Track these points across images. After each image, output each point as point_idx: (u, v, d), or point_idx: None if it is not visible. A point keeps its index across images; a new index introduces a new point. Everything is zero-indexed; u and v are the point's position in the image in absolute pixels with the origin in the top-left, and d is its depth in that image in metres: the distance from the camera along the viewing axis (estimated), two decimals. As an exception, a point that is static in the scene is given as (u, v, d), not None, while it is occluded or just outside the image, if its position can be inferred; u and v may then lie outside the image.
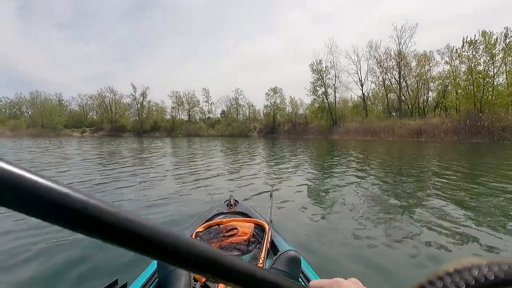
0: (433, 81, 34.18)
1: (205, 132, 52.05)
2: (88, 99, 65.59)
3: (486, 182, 5.58)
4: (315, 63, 39.13)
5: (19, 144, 21.24)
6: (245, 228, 1.53)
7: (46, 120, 60.02)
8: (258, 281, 0.27)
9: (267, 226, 1.53)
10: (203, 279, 1.13)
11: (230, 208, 2.01)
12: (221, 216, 1.85)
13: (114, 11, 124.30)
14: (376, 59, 36.09)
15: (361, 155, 12.05)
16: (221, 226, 1.56)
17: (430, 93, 35.82)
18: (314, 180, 6.19)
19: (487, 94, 21.68)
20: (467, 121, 20.45)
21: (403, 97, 34.83)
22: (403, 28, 33.20)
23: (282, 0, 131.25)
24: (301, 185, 5.60)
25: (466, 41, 22.81)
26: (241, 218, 1.70)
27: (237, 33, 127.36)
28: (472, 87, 22.57)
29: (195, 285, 1.11)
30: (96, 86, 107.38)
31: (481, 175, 6.46)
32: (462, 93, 23.38)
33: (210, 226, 1.57)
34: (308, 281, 1.31)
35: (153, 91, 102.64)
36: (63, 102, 67.98)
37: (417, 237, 2.87)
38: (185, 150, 16.23)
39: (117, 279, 1.16)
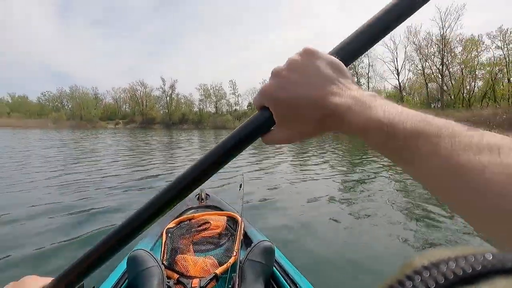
0: (482, 68, 30.66)
1: (232, 124, 51.79)
2: (121, 92, 68.22)
3: None
4: (347, 51, 36.87)
5: (77, 137, 22.09)
6: (218, 221, 1.53)
7: (84, 112, 63.30)
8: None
9: (239, 218, 1.51)
10: (176, 276, 1.14)
11: (201, 202, 1.97)
12: (192, 210, 1.82)
13: (144, 7, 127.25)
14: (416, 45, 33.08)
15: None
16: (192, 221, 1.56)
17: (477, 82, 32.36)
18: (306, 176, 5.84)
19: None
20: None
21: (445, 86, 31.72)
22: (448, 10, 29.89)
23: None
24: (298, 182, 5.32)
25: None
26: (213, 212, 1.71)
27: (265, 24, 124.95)
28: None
29: (169, 282, 1.10)
30: (129, 80, 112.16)
31: None
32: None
33: (181, 222, 1.56)
34: (283, 270, 1.30)
35: (181, 84, 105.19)
36: (99, 95, 71.50)
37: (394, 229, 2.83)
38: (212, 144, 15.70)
39: (82, 284, 0.87)
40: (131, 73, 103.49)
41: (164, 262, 1.22)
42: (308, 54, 0.31)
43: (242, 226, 1.46)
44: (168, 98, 60.31)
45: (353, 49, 0.33)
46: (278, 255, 1.40)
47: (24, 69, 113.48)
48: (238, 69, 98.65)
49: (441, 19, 30.63)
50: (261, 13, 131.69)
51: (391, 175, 5.94)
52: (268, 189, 4.67)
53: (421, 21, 44.96)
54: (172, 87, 59.62)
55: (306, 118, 0.30)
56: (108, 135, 24.48)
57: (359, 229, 3.03)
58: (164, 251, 1.31)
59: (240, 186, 2.06)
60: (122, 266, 1.32)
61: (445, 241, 2.73)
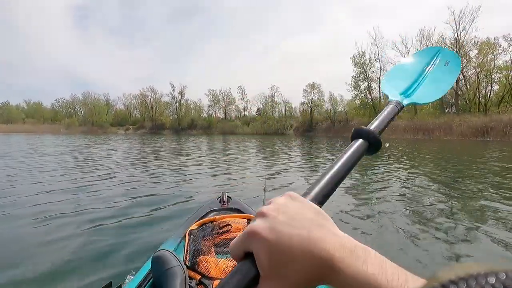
0: (499, 71, 29.60)
1: (241, 130, 51.67)
2: (132, 98, 69.22)
3: None
4: (358, 56, 36.41)
5: (91, 141, 22.27)
6: (238, 224, 1.54)
7: (95, 118, 64.40)
8: None
9: None
10: (199, 277, 1.16)
11: (222, 204, 2.00)
12: (214, 213, 1.87)
13: (159, 17, 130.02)
14: (429, 49, 32.19)
15: (411, 160, 10.08)
16: (214, 223, 1.58)
17: (493, 86, 31.24)
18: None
19: None
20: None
21: (460, 91, 30.71)
22: (463, 12, 29.11)
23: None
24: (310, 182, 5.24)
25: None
26: (234, 214, 1.73)
27: (275, 31, 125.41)
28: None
29: (191, 283, 1.12)
30: (142, 86, 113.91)
31: None
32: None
33: (203, 224, 1.59)
34: None
35: (191, 90, 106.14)
36: (110, 101, 72.70)
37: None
38: (220, 150, 15.41)
39: (110, 282, 1.16)
40: (144, 80, 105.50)
41: (186, 262, 1.24)
42: (293, 198, 0.31)
43: None
44: (177, 104, 60.77)
45: (324, 193, 0.35)
46: None
47: (44, 76, 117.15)
48: (247, 74, 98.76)
49: (455, 21, 29.85)
50: (267, 19, 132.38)
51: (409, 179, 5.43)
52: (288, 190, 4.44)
53: (435, 24, 44.26)
54: (182, 93, 60.15)
55: (298, 262, 0.27)
56: (117, 140, 24.54)
57: (378, 237, 2.81)
58: (186, 252, 1.33)
59: (265, 190, 2.09)
60: (147, 265, 1.35)
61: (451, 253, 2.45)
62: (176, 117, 60.49)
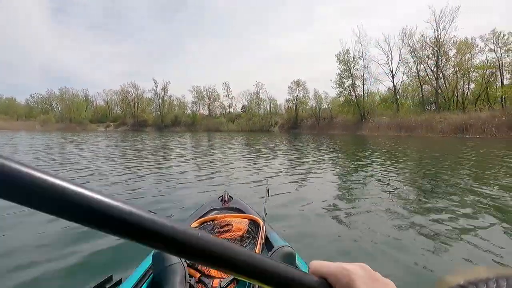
0: (475, 71, 30.62)
1: (225, 127, 51.10)
2: (113, 94, 67.01)
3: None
4: (342, 53, 36.60)
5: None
6: (240, 224, 1.53)
7: (73, 115, 61.87)
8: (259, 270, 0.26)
9: (261, 222, 1.52)
10: (198, 275, 1.16)
11: (224, 204, 1.99)
12: (215, 212, 1.85)
13: (142, 12, 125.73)
14: (410, 48, 32.90)
15: (393, 155, 10.08)
16: (215, 222, 1.58)
17: (470, 85, 32.33)
18: (324, 180, 5.63)
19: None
20: (528, 115, 17.42)
21: (439, 89, 31.56)
22: (443, 12, 29.84)
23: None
24: (304, 182, 5.30)
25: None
26: (236, 214, 1.72)
27: (262, 29, 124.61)
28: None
29: (190, 280, 1.12)
30: (126, 82, 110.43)
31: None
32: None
33: (204, 222, 1.59)
34: None
35: (175, 86, 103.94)
36: (89, 97, 70.06)
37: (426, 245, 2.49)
38: (206, 150, 14.96)
39: (111, 275, 1.17)
40: (127, 76, 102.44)
41: (187, 260, 1.18)
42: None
43: (264, 230, 1.46)
44: (160, 100, 59.28)
45: None
46: (299, 261, 1.38)
47: (18, 70, 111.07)
48: (232, 71, 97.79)
49: (435, 21, 30.56)
50: (256, 20, 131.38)
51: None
52: (291, 193, 4.50)
53: (416, 23, 45.29)
54: (165, 89, 58.69)
55: None
56: (96, 138, 23.49)
57: (387, 239, 2.70)
58: None
59: (268, 191, 2.06)
60: (148, 261, 1.34)
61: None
62: (159, 113, 59.02)
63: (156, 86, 58.71)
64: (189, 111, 59.78)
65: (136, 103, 61.34)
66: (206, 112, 59.22)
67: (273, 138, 24.43)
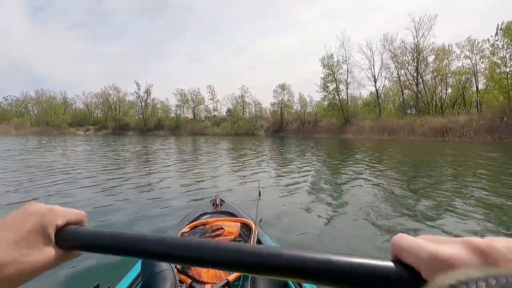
0: (452, 76, 31.82)
1: (210, 130, 50.50)
2: (93, 97, 64.89)
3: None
4: (326, 57, 37.08)
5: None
6: (231, 227, 1.52)
7: (51, 118, 59.34)
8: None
9: (253, 225, 1.51)
10: (189, 281, 1.14)
11: (216, 207, 1.98)
12: (207, 216, 1.85)
13: (125, 13, 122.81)
14: (391, 53, 33.79)
15: (377, 158, 10.14)
16: (206, 226, 1.56)
17: (448, 90, 33.58)
18: (312, 182, 5.71)
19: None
20: (504, 118, 18.12)
21: (419, 94, 32.56)
22: (422, 19, 30.87)
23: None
24: (294, 185, 5.32)
25: (501, 28, 20.41)
26: (227, 218, 1.70)
27: (246, 32, 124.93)
28: (506, 80, 20.06)
29: (181, 286, 1.11)
30: (105, 85, 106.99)
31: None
32: (495, 86, 20.79)
33: (195, 227, 1.57)
34: None
35: (158, 89, 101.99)
36: (68, 100, 67.52)
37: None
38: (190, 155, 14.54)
39: (98, 284, 1.09)
40: (108, 78, 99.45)
41: (177, 266, 1.20)
42: None
43: (256, 233, 1.45)
44: (142, 103, 57.87)
45: None
46: None
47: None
48: (218, 76, 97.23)
49: (415, 28, 31.56)
50: (243, 21, 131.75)
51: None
52: (283, 196, 4.52)
53: (397, 29, 46.72)
54: (148, 91, 57.29)
55: None
56: (75, 142, 22.47)
57: (381, 239, 2.78)
58: None
59: (259, 194, 2.06)
60: (137, 268, 1.31)
61: None
62: (142, 117, 57.58)
63: (139, 89, 57.28)
64: (173, 115, 58.70)
65: (118, 106, 59.60)
66: (190, 115, 58.35)
67: (259, 141, 24.28)
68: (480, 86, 30.03)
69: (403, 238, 0.23)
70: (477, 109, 27.51)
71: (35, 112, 63.88)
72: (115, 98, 59.87)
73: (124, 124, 57.59)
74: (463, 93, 31.04)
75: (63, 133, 53.05)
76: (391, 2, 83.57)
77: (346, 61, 36.53)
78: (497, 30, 20.86)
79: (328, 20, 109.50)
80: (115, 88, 59.71)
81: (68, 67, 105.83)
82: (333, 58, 36.88)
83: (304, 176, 6.34)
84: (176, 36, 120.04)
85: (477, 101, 29.18)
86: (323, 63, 37.35)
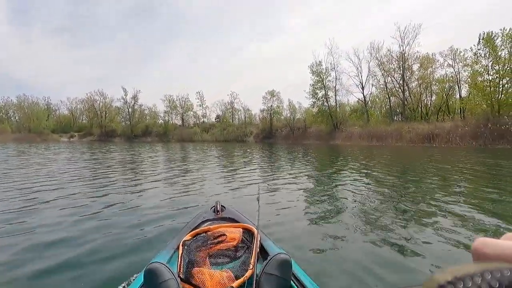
0: (437, 84, 32.72)
1: (199, 137, 49.94)
2: (78, 102, 63.32)
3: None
4: (315, 65, 37.47)
5: None
6: (233, 233, 1.51)
7: (33, 124, 57.38)
8: None
9: (255, 231, 1.51)
10: None
11: (217, 214, 1.96)
12: (208, 223, 1.83)
13: (112, 18, 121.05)
14: (378, 61, 34.50)
15: (367, 163, 10.10)
16: (208, 233, 1.54)
17: (432, 97, 34.44)
18: (309, 187, 5.84)
19: (506, 95, 19.76)
20: (488, 125, 18.61)
21: (406, 101, 33.25)
22: (407, 29, 31.70)
23: (281, 7, 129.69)
24: (294, 190, 5.36)
25: (483, 37, 21.13)
26: (229, 224, 1.69)
27: (235, 39, 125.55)
28: (489, 88, 20.70)
29: None
30: (91, 90, 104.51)
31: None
32: (479, 94, 21.40)
33: (197, 234, 1.56)
34: (300, 284, 1.28)
35: (146, 95, 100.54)
36: (52, 106, 65.65)
37: (416, 249, 2.58)
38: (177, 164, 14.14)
39: None
40: (95, 83, 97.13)
41: (180, 275, 1.21)
42: None
43: (258, 239, 1.44)
44: (130, 109, 56.77)
45: None
46: (295, 268, 1.36)
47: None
48: (205, 81, 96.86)
49: (400, 37, 32.36)
50: (227, 27, 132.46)
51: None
52: (284, 200, 4.57)
53: (383, 38, 47.89)
54: (135, 97, 56.23)
55: None
56: (56, 149, 21.62)
57: (382, 241, 2.81)
58: (180, 264, 1.30)
59: (258, 200, 2.04)
60: (140, 279, 1.29)
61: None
62: (129, 123, 56.42)
63: (126, 95, 56.16)
64: (161, 121, 57.79)
65: (104, 112, 58.27)
66: (179, 122, 57.62)
67: (249, 148, 24.06)
68: (463, 94, 31.01)
69: (485, 243, 0.20)
70: (461, 116, 28.24)
71: (17, 118, 61.71)
72: (101, 104, 58.61)
73: (111, 131, 56.27)
74: (447, 100, 31.93)
75: (45, 140, 51.35)
76: (377, 13, 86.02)
77: (334, 68, 37.04)
78: (479, 39, 21.57)
79: (315, 28, 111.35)
80: (101, 93, 58.52)
81: (52, 72, 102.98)
82: (321, 65, 37.34)
83: (297, 182, 6.32)
84: (164, 42, 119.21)
85: (460, 108, 30.03)
86: (312, 70, 37.73)
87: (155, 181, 6.74)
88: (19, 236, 3.03)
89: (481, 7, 59.34)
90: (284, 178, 6.87)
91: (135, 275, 1.35)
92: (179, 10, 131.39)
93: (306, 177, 7.18)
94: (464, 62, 28.37)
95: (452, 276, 0.15)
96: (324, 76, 37.20)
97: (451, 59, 31.11)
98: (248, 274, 1.18)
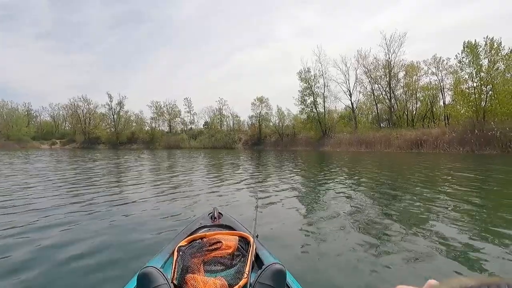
0: (422, 91, 33.49)
1: (187, 143, 49.07)
2: (61, 109, 61.29)
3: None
4: (303, 71, 37.65)
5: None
6: (229, 241, 1.50)
7: (11, 131, 54.94)
8: None
9: (251, 239, 1.49)
10: None
11: (214, 221, 1.96)
12: (205, 229, 1.83)
13: (99, 24, 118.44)
14: (365, 68, 35.01)
15: (358, 170, 9.89)
16: (204, 239, 1.54)
17: (418, 104, 35.18)
18: (302, 194, 5.84)
19: (491, 102, 20.23)
20: (475, 131, 18.90)
21: (392, 108, 33.78)
22: (392, 37, 32.37)
23: (270, 15, 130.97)
24: (288, 198, 5.31)
25: (467, 46, 21.69)
26: (225, 231, 1.69)
27: (223, 46, 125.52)
28: (474, 95, 21.17)
29: None
30: (74, 96, 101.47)
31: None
32: (465, 100, 21.85)
33: (193, 240, 1.55)
34: None
35: (132, 101, 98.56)
36: (33, 112, 63.28)
37: (410, 254, 2.61)
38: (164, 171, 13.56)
39: None
40: (80, 89, 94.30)
41: (174, 281, 1.21)
42: None
43: (254, 247, 1.43)
44: (115, 115, 55.31)
45: None
46: (290, 279, 1.36)
47: None
48: (193, 87, 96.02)
49: (386, 45, 32.98)
50: (216, 34, 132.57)
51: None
52: (279, 208, 4.56)
53: (370, 46, 48.80)
54: (120, 103, 54.83)
55: None
56: (34, 157, 20.52)
57: (381, 252, 2.73)
58: (174, 270, 1.30)
59: (256, 208, 2.08)
60: (133, 283, 1.30)
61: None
62: (114, 130, 54.91)
63: (111, 101, 54.74)
64: (147, 128, 56.51)
65: (88, 119, 56.53)
66: (166, 128, 56.54)
67: (239, 155, 23.64)
68: (447, 100, 31.81)
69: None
70: (445, 123, 28.80)
71: (-6, 125, 59.07)
72: (84, 110, 56.88)
73: (95, 138, 54.54)
74: (432, 107, 32.64)
75: (24, 147, 49.18)
76: (363, 22, 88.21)
77: (323, 75, 37.30)
78: (463, 47, 22.14)
79: (303, 37, 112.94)
80: (85, 99, 56.80)
81: (33, 77, 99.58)
82: (310, 72, 37.54)
83: (292, 189, 6.25)
84: (153, 49, 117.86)
85: (444, 114, 30.72)
86: (300, 76, 37.86)
87: (145, 189, 6.33)
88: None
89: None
90: (277, 186, 6.75)
91: (128, 279, 1.31)
92: (167, 17, 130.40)
93: (300, 184, 7.09)
94: (450, 70, 29.10)
95: None
96: (313, 83, 37.41)
97: (435, 67, 32.01)
98: (242, 283, 1.18)
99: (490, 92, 20.49)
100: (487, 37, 20.88)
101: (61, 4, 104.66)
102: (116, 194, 5.81)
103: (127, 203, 4.89)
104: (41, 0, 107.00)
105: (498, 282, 0.15)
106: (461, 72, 22.67)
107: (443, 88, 31.90)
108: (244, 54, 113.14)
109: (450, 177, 7.68)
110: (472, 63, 21.14)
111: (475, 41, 21.28)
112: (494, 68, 20.32)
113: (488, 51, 20.62)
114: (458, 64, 22.79)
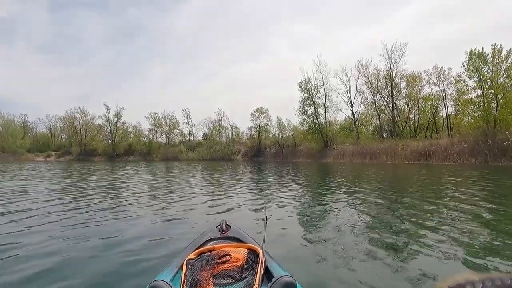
0: (424, 101, 32.86)
1: (185, 155, 48.04)
2: (57, 120, 60.56)
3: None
4: (304, 81, 37.07)
5: None
6: (238, 254, 1.49)
7: (6, 143, 53.97)
8: None
9: (260, 251, 1.48)
10: None
11: (222, 233, 1.93)
12: (213, 242, 1.81)
13: (96, 36, 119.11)
14: (367, 78, 34.45)
15: (368, 182, 8.90)
16: (213, 252, 1.52)
17: (420, 114, 34.52)
18: (309, 206, 5.70)
19: (502, 110, 19.41)
20: (488, 141, 17.97)
21: (395, 118, 33.05)
22: (393, 47, 31.93)
23: (267, 28, 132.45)
24: (295, 210, 5.27)
25: (474, 53, 21.09)
26: (234, 244, 1.67)
27: (221, 58, 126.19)
28: (484, 104, 20.40)
29: None
30: (71, 107, 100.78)
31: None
32: (474, 109, 21.07)
33: (202, 253, 1.54)
34: None
35: (130, 113, 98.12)
36: (29, 124, 62.53)
37: (416, 265, 2.57)
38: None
39: None
40: (76, 101, 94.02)
41: None
42: None
43: (263, 260, 1.42)
44: (112, 127, 54.43)
45: None
46: None
47: None
48: (192, 98, 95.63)
49: (387, 55, 32.54)
50: (213, 46, 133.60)
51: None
52: (290, 221, 4.45)
53: (371, 56, 48.55)
54: (118, 115, 54.05)
55: None
56: (27, 170, 19.44)
57: (387, 261, 2.67)
58: (183, 283, 1.28)
59: (265, 220, 2.06)
60: None
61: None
62: (111, 141, 53.92)
63: (108, 112, 54.02)
64: (145, 139, 55.53)
65: (84, 130, 55.64)
66: (164, 140, 55.58)
67: (239, 167, 22.63)
68: (449, 110, 31.14)
69: None
70: (448, 133, 27.98)
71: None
72: (81, 121, 56.05)
73: (91, 150, 53.52)
74: (434, 117, 31.96)
75: (19, 160, 48.09)
76: (363, 32, 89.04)
77: (323, 85, 36.72)
78: (470, 55, 21.56)
79: (299, 50, 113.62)
80: (82, 111, 56.09)
81: (31, 88, 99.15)
82: (310, 82, 36.98)
83: (299, 201, 6.21)
84: (150, 60, 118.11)
85: (447, 125, 30.02)
86: (300, 86, 37.28)
87: (149, 203, 5.89)
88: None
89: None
90: (283, 198, 6.63)
91: None
92: (165, 29, 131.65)
93: (308, 197, 6.99)
94: (452, 80, 28.55)
95: (455, 283, 0.16)
96: (314, 93, 36.78)
97: (436, 77, 31.49)
98: None
99: (501, 100, 19.71)
100: (495, 44, 20.39)
101: (58, 16, 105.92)
102: (122, 210, 5.36)
103: (132, 217, 4.82)
104: (39, 13, 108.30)
105: (502, 276, 0.16)
106: (469, 80, 22.02)
107: (445, 98, 31.31)
108: (242, 66, 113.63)
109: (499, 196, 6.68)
110: (481, 71, 20.49)
111: (482, 48, 20.78)
112: (505, 76, 19.66)
113: (496, 58, 20.03)
114: (466, 73, 22.15)
